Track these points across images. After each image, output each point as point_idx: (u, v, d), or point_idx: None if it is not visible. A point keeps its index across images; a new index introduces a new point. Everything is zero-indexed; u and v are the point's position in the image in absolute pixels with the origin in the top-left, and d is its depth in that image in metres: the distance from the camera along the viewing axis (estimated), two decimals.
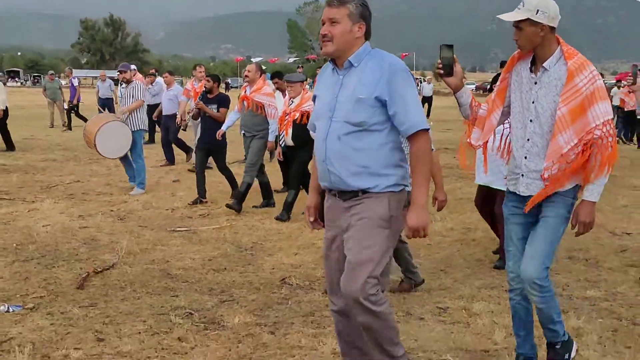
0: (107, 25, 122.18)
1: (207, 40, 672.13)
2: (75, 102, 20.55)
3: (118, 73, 10.22)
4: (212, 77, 9.52)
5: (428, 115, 26.43)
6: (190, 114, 10.19)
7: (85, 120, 19.89)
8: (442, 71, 3.53)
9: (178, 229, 7.74)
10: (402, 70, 3.23)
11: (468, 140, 3.79)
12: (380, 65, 3.21)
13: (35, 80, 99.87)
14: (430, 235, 6.28)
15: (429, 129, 3.22)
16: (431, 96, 30.10)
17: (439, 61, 3.51)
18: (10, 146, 14.78)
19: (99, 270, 6.00)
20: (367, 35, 3.31)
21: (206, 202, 9.13)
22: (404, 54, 75.77)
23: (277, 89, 10.14)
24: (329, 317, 4.57)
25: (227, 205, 8.52)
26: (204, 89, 9.53)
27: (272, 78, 10.34)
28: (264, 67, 11.61)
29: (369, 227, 3.20)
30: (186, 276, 5.94)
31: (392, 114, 3.17)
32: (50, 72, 22.86)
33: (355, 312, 3.23)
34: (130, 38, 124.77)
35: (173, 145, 13.02)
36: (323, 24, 3.27)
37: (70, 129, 20.44)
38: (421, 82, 33.81)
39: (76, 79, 21.21)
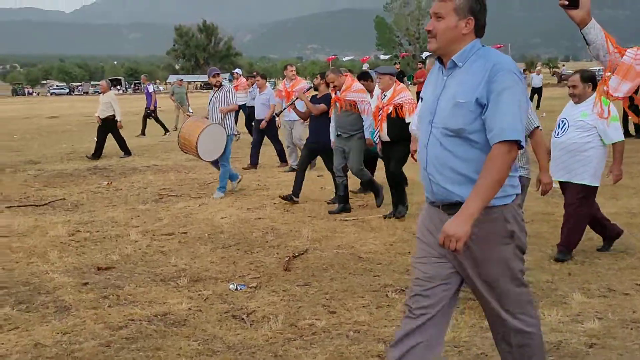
0: (201, 31, 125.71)
1: (292, 41, 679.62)
2: (152, 108, 20.59)
3: (210, 77, 10.28)
4: (320, 75, 9.35)
5: (538, 106, 26.12)
6: (283, 109, 10.50)
7: (163, 125, 20.87)
8: (566, 2, 3.06)
9: (347, 218, 8.23)
10: (507, 71, 2.83)
11: (605, 88, 3.32)
12: (485, 65, 2.86)
13: (136, 88, 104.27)
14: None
15: (518, 142, 2.79)
16: (541, 87, 29.68)
17: None
18: (127, 151, 15.35)
19: (297, 254, 6.54)
20: (478, 32, 2.97)
21: (297, 201, 9.09)
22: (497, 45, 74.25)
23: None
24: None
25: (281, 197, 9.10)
26: (312, 85, 9.42)
27: (359, 80, 9.66)
28: (364, 67, 11.42)
29: (492, 250, 2.93)
30: (377, 259, 6.39)
31: (484, 118, 2.84)
32: (180, 78, 24.00)
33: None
34: (222, 43, 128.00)
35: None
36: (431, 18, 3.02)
37: (144, 134, 20.70)
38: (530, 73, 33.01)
39: (151, 85, 21.39)
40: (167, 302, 5.21)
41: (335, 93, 8.53)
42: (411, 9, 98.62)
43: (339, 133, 8.46)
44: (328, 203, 9.05)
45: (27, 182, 11.77)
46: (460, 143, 2.89)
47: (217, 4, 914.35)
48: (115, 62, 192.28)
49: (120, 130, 15.24)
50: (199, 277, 5.91)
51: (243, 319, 4.81)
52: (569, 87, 6.10)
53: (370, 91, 8.93)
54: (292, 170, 11.59)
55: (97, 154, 14.98)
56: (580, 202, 6.01)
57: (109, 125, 15.01)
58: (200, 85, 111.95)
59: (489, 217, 2.87)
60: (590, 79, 6.01)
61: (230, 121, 10.06)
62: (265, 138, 12.96)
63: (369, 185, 8.94)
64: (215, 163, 10.05)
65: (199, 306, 5.11)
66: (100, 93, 15.89)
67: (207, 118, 10.08)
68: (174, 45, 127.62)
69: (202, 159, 9.88)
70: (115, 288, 5.60)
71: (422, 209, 3.19)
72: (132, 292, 5.47)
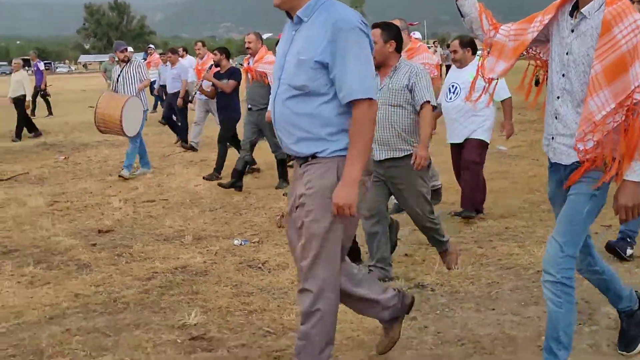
0: (112, 9, 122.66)
1: (204, 20, 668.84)
2: (43, 86, 19.48)
3: (117, 52, 9.88)
4: (219, 50, 9.17)
5: None
6: (196, 88, 10.10)
7: (49, 105, 20.04)
8: None
9: None
10: (350, 28, 2.80)
11: (479, 69, 3.29)
12: (328, 20, 2.81)
13: (46, 68, 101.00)
14: None
15: (369, 98, 2.83)
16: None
17: None
18: (36, 130, 15.02)
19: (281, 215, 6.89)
20: None
21: (220, 177, 8.91)
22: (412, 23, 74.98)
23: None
24: None
25: (220, 184, 8.35)
26: (211, 63, 9.28)
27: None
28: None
29: (319, 198, 2.89)
30: None
31: (332, 77, 2.83)
32: (112, 55, 23.45)
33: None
34: (135, 21, 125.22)
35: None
36: None
37: (51, 114, 20.06)
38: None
39: (42, 63, 20.31)
40: (181, 257, 5.52)
41: (248, 63, 8.31)
42: None
43: (250, 106, 8.22)
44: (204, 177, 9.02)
45: None
46: (305, 101, 2.87)
47: None
48: (18, 42, 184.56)
49: (27, 110, 15.02)
50: (200, 235, 6.23)
51: (260, 267, 5.19)
52: (450, 52, 6.52)
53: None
54: (192, 148, 11.66)
55: (31, 130, 14.88)
56: (480, 157, 6.30)
57: (19, 105, 14.61)
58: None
59: (326, 165, 2.89)
60: (469, 44, 6.32)
61: (144, 96, 9.75)
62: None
63: (279, 165, 8.45)
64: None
65: (213, 259, 5.45)
66: (9, 73, 16.02)
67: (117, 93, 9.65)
68: (84, 24, 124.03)
69: (125, 135, 9.28)
70: (124, 247, 5.87)
71: None
72: (142, 250, 5.75)
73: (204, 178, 8.99)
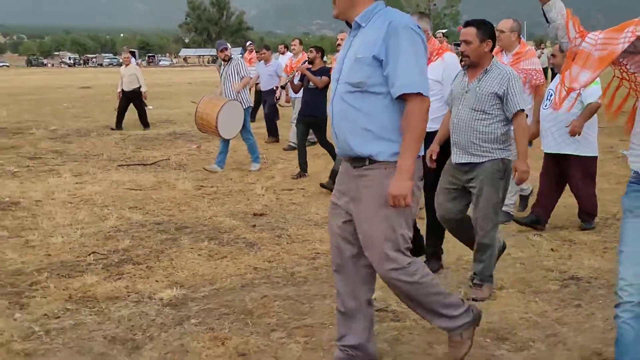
0: (213, 5, 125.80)
1: (297, 17, 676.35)
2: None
3: (218, 52, 10.11)
4: (315, 48, 9.25)
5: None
6: (286, 82, 10.03)
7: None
8: None
9: None
10: (403, 27, 2.98)
11: (564, 76, 3.07)
12: (383, 23, 3.01)
13: (150, 61, 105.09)
14: None
15: (420, 93, 2.97)
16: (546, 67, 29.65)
17: None
18: (146, 124, 15.26)
19: None
20: None
21: (307, 175, 9.19)
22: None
23: None
24: None
25: (321, 185, 8.24)
26: (306, 60, 9.34)
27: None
28: None
29: (377, 205, 3.05)
30: None
31: (386, 74, 2.99)
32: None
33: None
34: (234, 17, 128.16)
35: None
36: None
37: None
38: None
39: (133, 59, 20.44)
40: None
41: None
42: None
43: None
44: (292, 177, 9.17)
45: (119, 145, 12.51)
46: (362, 97, 3.03)
47: None
48: (122, 35, 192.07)
49: (145, 100, 15.35)
50: None
51: None
52: (550, 55, 6.21)
53: None
54: (291, 148, 11.57)
55: (119, 124, 14.92)
56: (589, 171, 6.15)
57: (134, 97, 15.00)
58: (210, 59, 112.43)
59: (384, 171, 3.03)
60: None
61: (246, 94, 9.91)
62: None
63: None
64: (225, 140, 9.77)
65: None
66: (116, 64, 16.41)
67: (221, 94, 9.97)
68: (185, 18, 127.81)
69: (223, 138, 9.63)
70: (281, 230, 6.38)
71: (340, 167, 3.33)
72: (299, 233, 6.24)
73: (292, 177, 9.21)
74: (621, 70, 3.04)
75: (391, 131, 3.03)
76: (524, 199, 7.09)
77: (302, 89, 9.30)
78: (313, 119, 9.06)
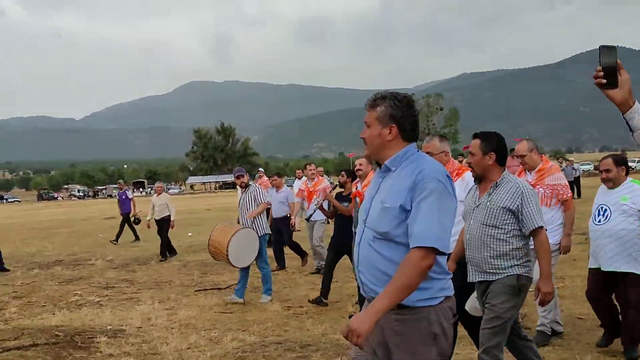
0: (219, 132, 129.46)
1: (297, 140, 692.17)
2: (134, 212, 19.71)
3: (234, 178, 9.93)
4: (346, 172, 8.87)
5: (579, 195, 27.11)
6: (315, 208, 9.24)
7: (135, 232, 19.73)
8: (603, 80, 2.65)
9: None
10: (431, 178, 2.88)
11: None
12: (413, 171, 2.93)
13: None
14: None
15: (432, 247, 2.81)
16: (578, 177, 30.35)
17: (599, 68, 2.66)
18: (173, 251, 15.23)
19: None
20: (406, 137, 3.06)
21: (327, 303, 8.77)
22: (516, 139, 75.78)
23: None
24: None
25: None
26: (337, 183, 9.00)
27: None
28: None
29: (411, 350, 2.94)
30: None
31: (407, 223, 2.90)
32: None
33: None
34: (239, 143, 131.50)
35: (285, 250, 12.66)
36: None
37: (138, 239, 19.76)
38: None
39: (130, 191, 20.63)
40: None
41: (357, 187, 8.09)
42: (420, 106, 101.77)
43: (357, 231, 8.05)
44: (309, 301, 8.90)
45: (182, 271, 12.82)
46: (387, 245, 2.94)
47: (222, 110, 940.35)
48: (125, 166, 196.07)
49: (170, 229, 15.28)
50: None
51: None
52: (601, 171, 5.89)
53: None
54: (318, 271, 11.39)
55: (171, 251, 15.13)
56: None
57: (163, 225, 15.08)
58: (219, 185, 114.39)
59: (414, 316, 2.91)
60: (623, 163, 5.88)
61: (262, 221, 9.54)
62: None
63: None
64: (245, 269, 9.35)
65: None
66: (153, 194, 15.88)
67: (238, 221, 9.80)
68: (192, 147, 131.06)
69: (233, 266, 9.22)
70: None
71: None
72: None
73: (309, 301, 8.89)
74: None
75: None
76: (544, 336, 6.41)
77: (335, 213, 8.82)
78: (344, 245, 8.50)
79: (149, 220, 15.36)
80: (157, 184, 15.97)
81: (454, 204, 2.95)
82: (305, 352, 6.42)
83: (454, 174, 4.98)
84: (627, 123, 2.75)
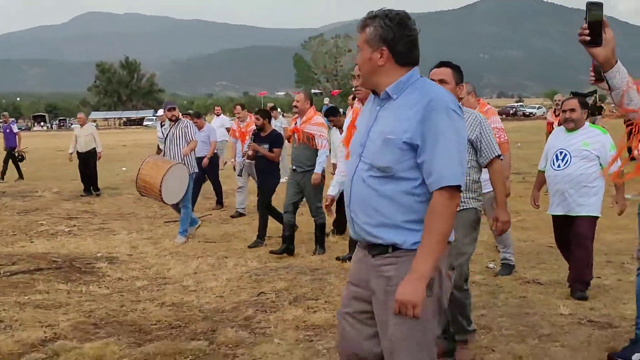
0: (123, 67, 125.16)
1: (200, 78, 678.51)
2: (20, 148, 18.25)
3: (165, 111, 9.52)
4: (261, 114, 8.85)
5: None
6: (244, 157, 9.46)
7: (19, 170, 18.11)
8: (588, 37, 2.68)
9: None
10: (443, 109, 2.59)
11: (636, 150, 2.94)
12: (420, 99, 2.62)
13: (61, 124, 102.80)
14: None
15: (456, 187, 2.58)
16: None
17: (584, 25, 2.68)
18: (96, 187, 14.56)
19: None
20: (403, 61, 2.71)
21: (265, 244, 8.59)
22: None
23: (334, 126, 9.07)
24: None
25: (272, 252, 7.99)
26: (254, 127, 9.01)
27: (327, 115, 9.09)
28: (325, 101, 10.53)
29: None
30: None
31: (420, 162, 2.60)
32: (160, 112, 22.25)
33: None
34: (145, 79, 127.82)
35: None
36: None
37: (22, 177, 18.11)
38: None
39: (15, 125, 18.96)
40: None
41: (296, 123, 8.05)
42: (328, 47, 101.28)
43: (295, 167, 7.94)
44: (271, 252, 8.18)
45: (138, 203, 12.83)
46: (387, 182, 2.65)
47: (121, 43, 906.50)
48: (18, 99, 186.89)
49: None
50: None
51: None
52: (564, 111, 5.89)
53: (340, 127, 8.42)
54: (239, 214, 11.12)
55: (95, 187, 14.47)
56: (593, 233, 5.86)
57: (90, 158, 14.43)
58: (123, 121, 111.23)
59: (410, 259, 2.61)
60: (588, 106, 5.94)
61: (192, 159, 9.34)
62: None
63: (318, 230, 8.13)
64: (175, 205, 9.10)
65: None
66: (74, 126, 15.07)
67: (164, 155, 9.38)
68: (95, 81, 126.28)
69: (164, 203, 8.94)
70: None
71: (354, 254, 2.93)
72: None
73: (249, 247, 8.53)
74: None
75: (417, 220, 2.64)
76: (509, 267, 6.76)
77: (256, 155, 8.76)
78: (264, 182, 8.70)
79: (71, 153, 14.75)
80: (79, 115, 15.12)
81: (466, 132, 2.76)
82: (318, 274, 6.84)
83: None
84: (607, 82, 2.80)
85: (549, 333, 4.83)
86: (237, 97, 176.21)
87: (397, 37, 2.66)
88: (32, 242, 9.08)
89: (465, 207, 4.12)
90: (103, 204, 12.98)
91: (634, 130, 2.89)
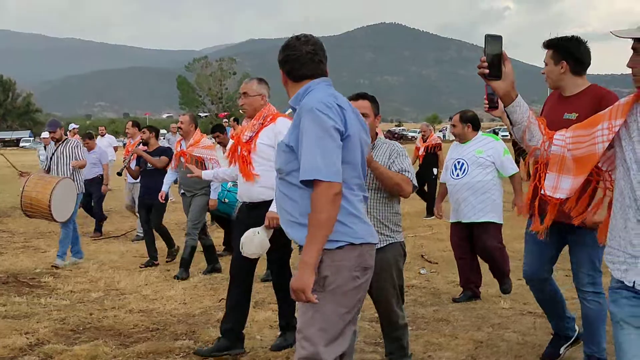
0: None
1: (77, 98, 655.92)
2: None
3: (50, 132, 8.87)
4: (148, 128, 8.78)
5: None
6: (122, 168, 9.37)
7: None
8: (486, 71, 2.70)
9: None
10: (307, 110, 2.82)
11: (542, 190, 2.85)
12: (300, 108, 2.91)
13: None
14: None
15: (325, 180, 2.71)
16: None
17: (483, 57, 2.70)
18: None
19: None
20: (294, 78, 3.03)
21: (158, 264, 8.49)
22: None
23: (219, 143, 9.19)
24: None
25: (176, 277, 7.62)
26: (140, 142, 8.91)
27: (213, 132, 9.30)
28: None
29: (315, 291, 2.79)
30: None
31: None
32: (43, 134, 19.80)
33: None
34: (21, 98, 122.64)
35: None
36: None
37: None
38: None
39: None
40: None
41: (180, 146, 7.83)
42: (213, 69, 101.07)
43: (183, 191, 7.88)
44: (141, 267, 8.33)
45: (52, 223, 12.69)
46: (287, 184, 2.91)
47: None
48: None
49: None
50: None
51: None
52: (450, 125, 6.40)
53: (224, 145, 8.68)
54: (139, 238, 10.32)
55: None
56: (501, 240, 6.22)
57: None
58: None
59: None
60: (470, 120, 6.20)
61: (80, 178, 8.83)
62: None
63: (187, 253, 7.80)
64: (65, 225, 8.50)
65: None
66: None
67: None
68: None
69: (54, 221, 8.33)
70: None
71: None
72: None
73: (140, 266, 8.39)
74: (593, 172, 2.79)
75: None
76: None
77: (141, 172, 8.75)
78: (152, 201, 8.37)
79: None
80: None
81: (334, 129, 2.78)
82: (268, 283, 7.21)
83: (268, 119, 4.78)
84: (508, 116, 2.83)
85: (499, 322, 5.52)
86: (118, 118, 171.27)
87: (284, 59, 3.05)
88: None
89: (390, 242, 4.07)
90: (18, 223, 12.72)
91: (539, 169, 2.87)
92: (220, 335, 4.87)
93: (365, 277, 2.90)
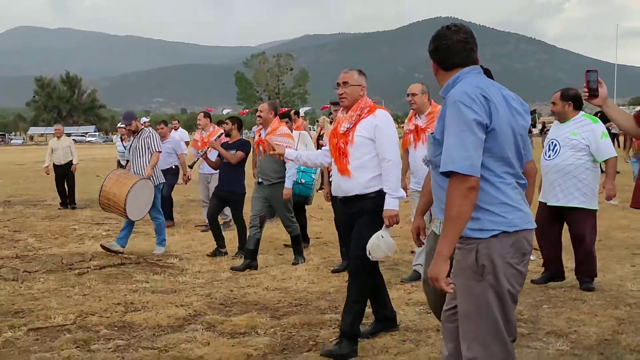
0: (64, 82, 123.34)
1: (136, 94, 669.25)
2: None
3: (123, 127, 8.99)
4: (231, 120, 8.61)
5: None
6: (196, 160, 9.37)
7: None
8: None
9: None
10: (452, 103, 2.89)
11: None
12: (447, 100, 2.98)
13: (0, 140, 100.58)
14: None
15: (460, 172, 2.77)
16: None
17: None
18: (73, 201, 14.27)
19: None
20: (445, 67, 3.12)
21: (226, 252, 8.48)
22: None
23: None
24: None
25: (294, 263, 7.79)
26: (222, 131, 8.79)
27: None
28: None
29: (462, 278, 2.99)
30: None
31: None
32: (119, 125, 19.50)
33: None
34: (86, 94, 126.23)
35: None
36: None
37: None
38: None
39: None
40: None
41: (260, 135, 7.78)
42: (270, 65, 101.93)
43: (260, 180, 7.69)
44: (233, 257, 8.27)
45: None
46: (438, 175, 3.02)
47: (53, 58, 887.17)
48: None
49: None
50: None
51: None
52: (551, 103, 6.13)
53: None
54: (208, 227, 9.81)
55: (72, 201, 14.21)
56: (593, 228, 6.01)
57: (67, 171, 14.19)
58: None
59: (464, 248, 2.92)
60: (571, 98, 6.00)
61: (157, 170, 8.96)
62: None
63: (294, 242, 8.00)
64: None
65: None
66: (52, 138, 14.81)
67: (130, 169, 8.94)
68: (34, 96, 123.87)
69: (129, 219, 8.56)
70: None
71: None
72: None
73: (207, 255, 8.46)
74: None
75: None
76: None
77: (220, 164, 8.58)
78: (229, 194, 8.33)
79: (47, 166, 14.42)
80: (56, 126, 14.79)
81: (478, 121, 2.82)
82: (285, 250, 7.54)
83: (366, 111, 4.79)
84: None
85: (634, 302, 5.72)
86: (176, 114, 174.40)
87: (435, 49, 3.12)
88: (83, 243, 9.50)
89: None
90: (97, 214, 13.13)
91: None
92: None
93: (523, 263, 2.94)
